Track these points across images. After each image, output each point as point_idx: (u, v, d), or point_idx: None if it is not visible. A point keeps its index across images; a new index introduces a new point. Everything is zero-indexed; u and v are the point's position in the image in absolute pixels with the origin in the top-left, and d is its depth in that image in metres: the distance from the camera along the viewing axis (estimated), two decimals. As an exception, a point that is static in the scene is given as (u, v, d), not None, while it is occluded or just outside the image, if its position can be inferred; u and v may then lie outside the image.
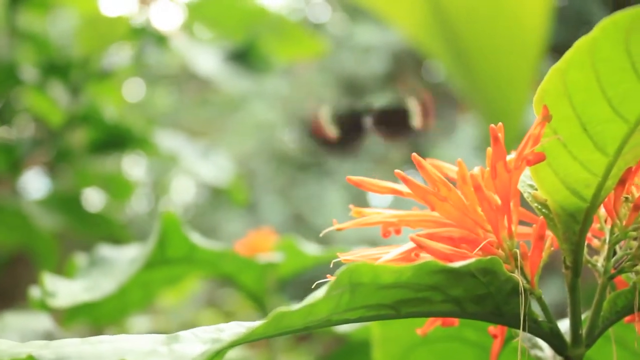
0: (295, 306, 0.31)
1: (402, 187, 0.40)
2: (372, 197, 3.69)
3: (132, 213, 3.29)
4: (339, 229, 0.41)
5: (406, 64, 3.81)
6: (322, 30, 3.97)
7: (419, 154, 0.38)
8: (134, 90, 2.81)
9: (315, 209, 3.54)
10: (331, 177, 3.69)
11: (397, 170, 0.38)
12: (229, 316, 2.42)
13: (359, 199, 3.63)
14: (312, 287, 0.40)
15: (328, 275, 0.39)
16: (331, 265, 0.40)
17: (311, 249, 0.72)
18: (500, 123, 0.38)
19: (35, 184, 1.91)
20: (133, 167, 3.12)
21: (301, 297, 0.32)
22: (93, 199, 1.67)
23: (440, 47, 1.43)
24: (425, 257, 0.38)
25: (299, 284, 1.00)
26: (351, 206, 0.42)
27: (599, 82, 0.34)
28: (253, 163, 3.71)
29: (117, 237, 1.30)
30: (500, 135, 0.37)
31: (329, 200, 3.52)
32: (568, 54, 0.34)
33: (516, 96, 1.40)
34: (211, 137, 3.70)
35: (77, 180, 1.35)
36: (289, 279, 0.77)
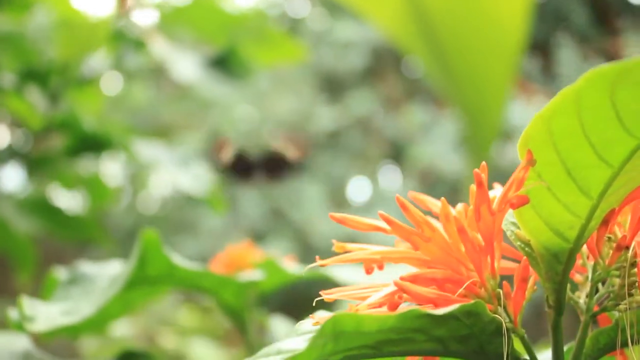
0: (279, 357, 0.31)
1: (385, 225, 0.39)
2: (351, 193, 3.70)
3: (110, 208, 3.27)
4: (321, 265, 0.41)
5: (385, 60, 3.81)
6: (301, 25, 3.96)
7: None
8: (112, 83, 2.79)
9: (293, 204, 3.54)
10: (309, 172, 3.69)
11: (380, 212, 0.38)
12: (206, 312, 2.42)
13: (338, 194, 3.64)
14: (296, 325, 0.40)
15: (311, 316, 0.39)
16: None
17: (292, 268, 0.72)
18: (483, 162, 0.38)
19: (11, 180, 1.89)
20: (111, 162, 3.10)
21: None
22: (71, 200, 1.65)
23: (418, 44, 1.43)
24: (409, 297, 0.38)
25: (280, 294, 1.00)
26: (334, 241, 0.42)
27: (583, 129, 0.34)
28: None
29: (95, 238, 1.30)
30: (484, 176, 0.37)
31: (307, 195, 3.52)
32: (553, 102, 0.34)
33: (495, 92, 1.40)
34: (189, 132, 3.69)
35: (55, 182, 1.34)
36: (270, 294, 0.76)
